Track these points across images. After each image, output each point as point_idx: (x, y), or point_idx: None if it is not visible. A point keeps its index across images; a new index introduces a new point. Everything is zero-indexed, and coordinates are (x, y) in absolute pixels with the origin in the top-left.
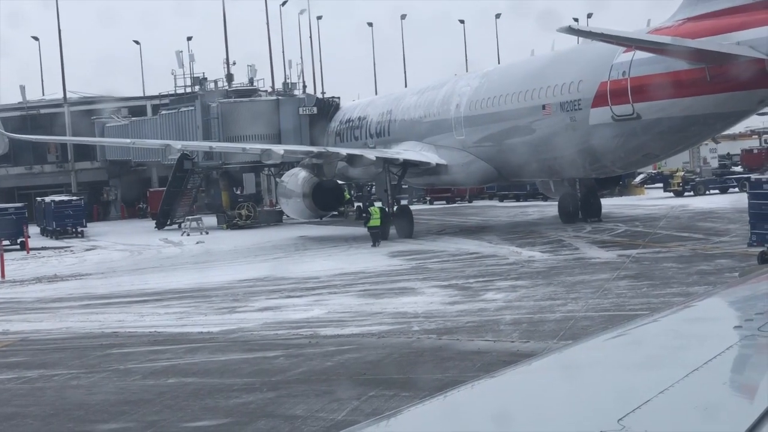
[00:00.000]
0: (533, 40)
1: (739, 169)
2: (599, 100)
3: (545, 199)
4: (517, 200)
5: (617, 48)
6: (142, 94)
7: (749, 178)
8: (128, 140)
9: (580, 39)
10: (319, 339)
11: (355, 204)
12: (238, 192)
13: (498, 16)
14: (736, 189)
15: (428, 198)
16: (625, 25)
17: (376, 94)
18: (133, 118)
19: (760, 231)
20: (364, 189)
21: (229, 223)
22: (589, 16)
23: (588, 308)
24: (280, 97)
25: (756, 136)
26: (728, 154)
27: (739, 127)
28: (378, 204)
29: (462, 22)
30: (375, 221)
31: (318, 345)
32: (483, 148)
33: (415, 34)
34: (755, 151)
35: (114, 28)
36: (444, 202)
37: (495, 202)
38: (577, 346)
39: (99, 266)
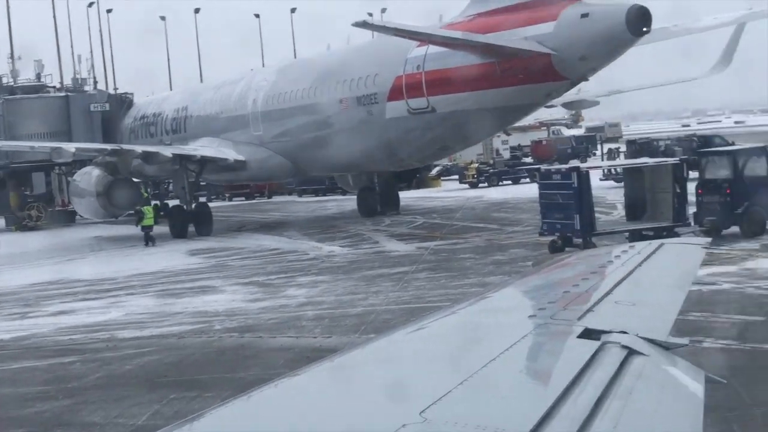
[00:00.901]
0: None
1: (529, 160)
2: (395, 93)
3: (344, 193)
4: (316, 195)
5: (411, 42)
6: None
7: (539, 168)
8: None
9: (375, 33)
10: (116, 342)
11: (153, 202)
12: (28, 192)
13: (293, 10)
14: (527, 179)
15: (227, 194)
16: (419, 20)
17: (171, 89)
18: None
19: (551, 220)
20: (161, 186)
21: (19, 224)
22: (383, 11)
23: (389, 301)
24: (69, 94)
25: (544, 128)
26: (519, 145)
27: (528, 119)
28: (176, 202)
29: (257, 16)
30: (148, 220)
31: (116, 348)
32: (280, 143)
33: (211, 29)
34: (544, 143)
35: None
36: (243, 198)
37: (294, 198)
38: (378, 341)
39: None
